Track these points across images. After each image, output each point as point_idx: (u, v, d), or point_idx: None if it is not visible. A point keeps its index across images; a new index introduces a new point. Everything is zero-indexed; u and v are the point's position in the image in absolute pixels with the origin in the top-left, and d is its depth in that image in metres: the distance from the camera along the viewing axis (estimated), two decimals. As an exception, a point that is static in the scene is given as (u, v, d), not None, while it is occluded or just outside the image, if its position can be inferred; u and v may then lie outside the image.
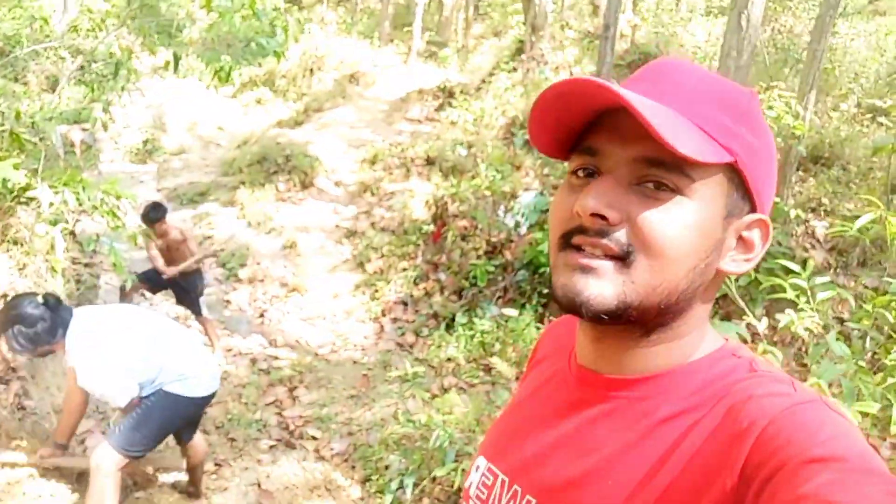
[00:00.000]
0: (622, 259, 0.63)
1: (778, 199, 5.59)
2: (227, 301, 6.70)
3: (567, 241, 0.65)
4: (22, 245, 3.45)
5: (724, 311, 5.50)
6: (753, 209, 0.68)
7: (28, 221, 3.52)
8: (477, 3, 16.96)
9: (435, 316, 6.28)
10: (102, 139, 9.80)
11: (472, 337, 5.32)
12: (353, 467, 4.06)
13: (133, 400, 2.88)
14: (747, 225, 0.67)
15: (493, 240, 6.74)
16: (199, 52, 6.43)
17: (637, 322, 0.65)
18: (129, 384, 2.80)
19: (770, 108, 5.80)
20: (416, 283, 6.75)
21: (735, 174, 0.65)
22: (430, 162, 8.85)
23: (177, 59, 4.82)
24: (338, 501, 3.66)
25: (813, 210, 6.53)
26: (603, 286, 0.63)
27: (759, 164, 0.66)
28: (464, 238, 6.80)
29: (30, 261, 3.48)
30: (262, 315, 6.50)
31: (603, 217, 0.62)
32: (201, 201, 8.90)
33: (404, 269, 6.90)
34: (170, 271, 5.05)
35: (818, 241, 6.09)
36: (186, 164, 10.40)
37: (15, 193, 3.50)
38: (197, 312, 5.41)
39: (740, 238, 0.67)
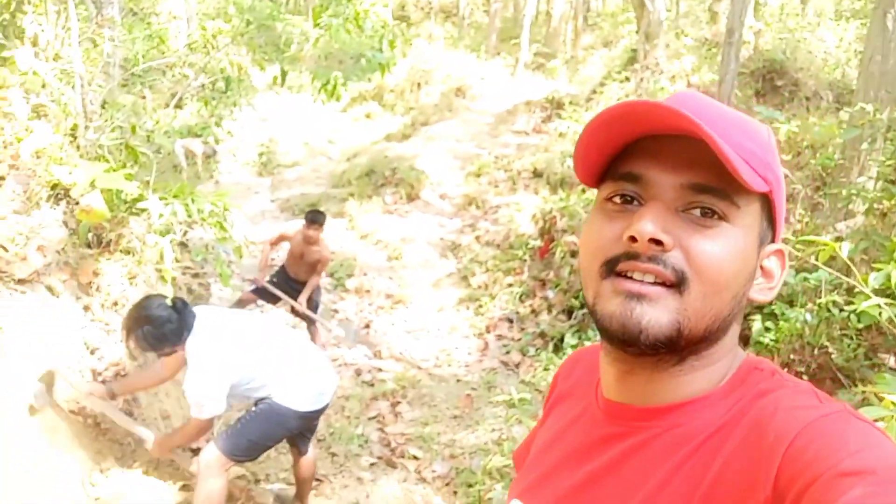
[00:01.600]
0: (675, 286, 0.62)
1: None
2: (335, 311, 6.72)
3: (611, 269, 0.64)
4: (133, 255, 3.51)
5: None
6: (773, 239, 0.69)
7: (139, 232, 3.58)
8: (586, 13, 16.59)
9: (542, 335, 6.01)
10: (222, 152, 10.23)
11: (582, 359, 5.01)
12: (455, 493, 3.87)
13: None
14: (768, 254, 0.69)
15: (605, 256, 6.40)
16: (309, 68, 6.54)
17: (678, 350, 0.64)
18: (221, 401, 2.76)
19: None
20: (521, 300, 6.51)
21: (766, 204, 0.67)
22: (537, 175, 8.62)
23: (283, 73, 4.87)
24: (438, 530, 3.46)
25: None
26: (659, 313, 0.62)
27: (781, 196, 0.68)
28: (573, 255, 6.48)
29: (141, 270, 3.53)
30: (367, 326, 6.47)
31: (658, 242, 0.61)
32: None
33: (510, 285, 6.68)
34: (259, 280, 5.25)
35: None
36: (299, 177, 10.68)
37: (128, 204, 3.58)
38: (310, 322, 5.46)
39: (762, 267, 0.68)
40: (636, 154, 0.65)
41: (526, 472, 0.83)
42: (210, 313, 2.96)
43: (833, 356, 5.09)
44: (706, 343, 0.65)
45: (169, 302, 2.76)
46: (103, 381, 3.09)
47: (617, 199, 0.66)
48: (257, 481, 3.65)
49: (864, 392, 4.87)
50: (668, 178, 0.64)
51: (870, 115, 5.57)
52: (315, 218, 5.16)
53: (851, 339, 5.15)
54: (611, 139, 0.65)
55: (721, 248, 0.62)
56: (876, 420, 1.29)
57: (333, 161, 11.30)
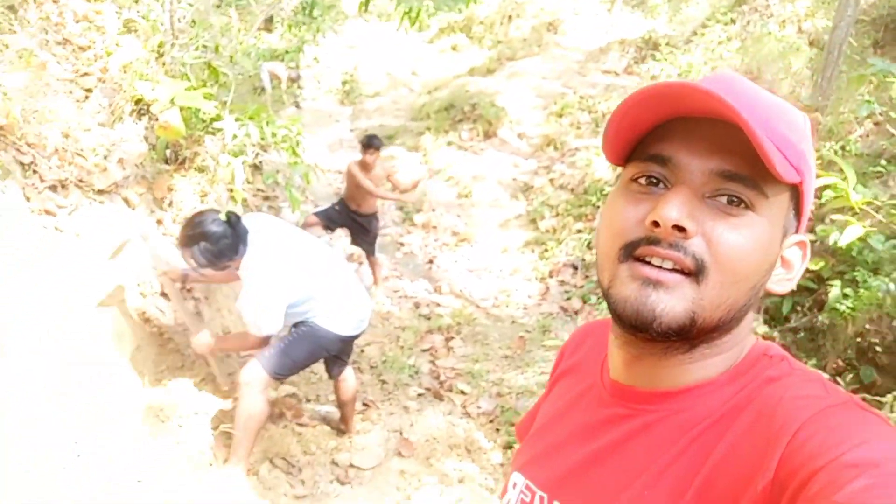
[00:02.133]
0: (694, 274, 0.61)
1: None
2: (401, 244, 6.82)
3: (629, 253, 0.63)
4: (207, 173, 3.64)
5: None
6: (798, 229, 0.68)
7: (214, 151, 3.70)
8: (697, -53, 15.48)
9: (605, 284, 5.92)
10: (306, 77, 10.33)
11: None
12: (498, 430, 3.94)
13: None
14: (790, 245, 0.67)
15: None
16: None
17: (690, 338, 0.64)
18: (279, 318, 2.85)
19: None
20: (589, 247, 6.40)
21: (795, 194, 0.65)
22: (622, 119, 8.31)
23: (367, 1, 4.80)
24: (476, 465, 3.55)
25: None
26: (675, 301, 0.61)
27: (811, 186, 0.67)
28: (647, 204, 6.30)
29: (213, 189, 3.67)
30: (431, 261, 6.54)
31: (682, 229, 0.60)
32: (389, 144, 9.09)
33: (579, 231, 6.57)
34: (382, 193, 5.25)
35: None
36: (379, 107, 10.69)
37: (205, 123, 3.69)
38: (370, 252, 5.55)
39: (782, 258, 0.67)
40: (666, 135, 0.64)
41: (529, 446, 0.83)
42: (272, 229, 3.00)
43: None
44: (719, 332, 0.65)
45: (223, 217, 2.80)
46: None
47: (643, 181, 0.65)
48: (308, 400, 3.82)
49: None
50: (698, 163, 0.62)
51: None
52: (371, 142, 5.09)
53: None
54: (643, 119, 0.64)
55: (745, 239, 0.61)
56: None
57: (415, 93, 11.22)
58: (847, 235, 2.53)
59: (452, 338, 4.98)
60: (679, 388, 0.67)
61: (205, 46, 4.14)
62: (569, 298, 5.90)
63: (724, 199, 0.62)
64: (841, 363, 4.30)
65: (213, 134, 3.71)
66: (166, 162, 3.69)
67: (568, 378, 0.84)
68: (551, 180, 7.46)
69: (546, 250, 6.49)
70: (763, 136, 0.58)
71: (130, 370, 2.91)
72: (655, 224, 0.61)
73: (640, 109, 0.63)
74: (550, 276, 6.22)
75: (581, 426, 0.75)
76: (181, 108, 3.41)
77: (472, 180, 7.69)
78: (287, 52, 5.80)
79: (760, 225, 0.62)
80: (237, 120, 3.77)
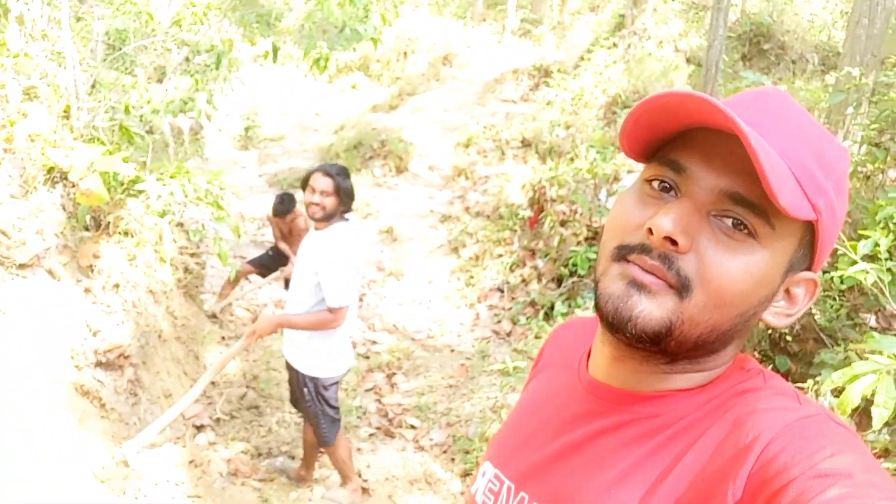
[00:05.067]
0: (677, 290, 0.61)
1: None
2: (326, 286, 6.78)
3: (623, 255, 0.63)
4: (132, 236, 3.54)
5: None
6: (810, 266, 0.65)
7: (137, 213, 3.61)
8: (572, -23, 16.38)
9: (532, 304, 6.11)
10: (206, 126, 10.13)
11: (573, 327, 5.12)
12: (453, 460, 3.99)
13: None
14: (798, 281, 0.65)
15: (595, 226, 6.47)
16: (296, 39, 6.47)
17: (669, 352, 0.64)
18: (351, 293, 2.99)
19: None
20: (512, 270, 6.59)
21: (809, 231, 0.63)
22: (525, 144, 8.64)
23: (276, 49, 4.84)
24: (438, 496, 3.59)
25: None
26: (653, 307, 0.61)
27: (832, 225, 0.64)
28: (563, 224, 6.56)
29: (140, 251, 3.57)
30: (360, 299, 6.54)
31: (674, 242, 0.60)
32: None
33: (500, 256, 6.76)
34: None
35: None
36: (285, 150, 10.64)
37: (125, 186, 3.60)
38: None
39: (787, 291, 0.66)
40: (689, 144, 0.63)
41: (502, 437, 0.83)
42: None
43: (816, 317, 5.25)
44: (701, 352, 0.65)
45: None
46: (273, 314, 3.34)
47: (656, 184, 0.65)
48: (259, 455, 3.75)
49: (846, 351, 5.05)
50: (710, 178, 0.61)
51: (856, 79, 5.64)
52: (277, 210, 5.24)
53: (834, 300, 5.31)
54: (665, 123, 0.63)
55: (737, 266, 0.60)
56: (866, 375, 1.38)
57: (320, 133, 11.24)
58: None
59: (394, 373, 5.01)
60: (655, 393, 0.67)
61: (113, 107, 4.05)
62: (499, 321, 6.05)
63: (729, 222, 0.61)
64: (757, 355, 4.63)
65: (136, 196, 3.62)
66: (87, 229, 3.56)
67: (546, 372, 0.85)
68: (467, 209, 7.66)
69: (472, 277, 6.64)
70: (767, 162, 0.55)
71: (74, 445, 2.78)
72: (650, 231, 0.61)
73: (653, 115, 0.62)
74: (479, 302, 6.35)
75: (553, 420, 0.75)
76: (101, 173, 3.33)
77: (390, 215, 7.77)
78: (187, 101, 5.70)
79: (760, 255, 0.61)
80: (158, 179, 3.69)
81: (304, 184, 3.06)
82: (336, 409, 3.25)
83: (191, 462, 3.25)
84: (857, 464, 0.53)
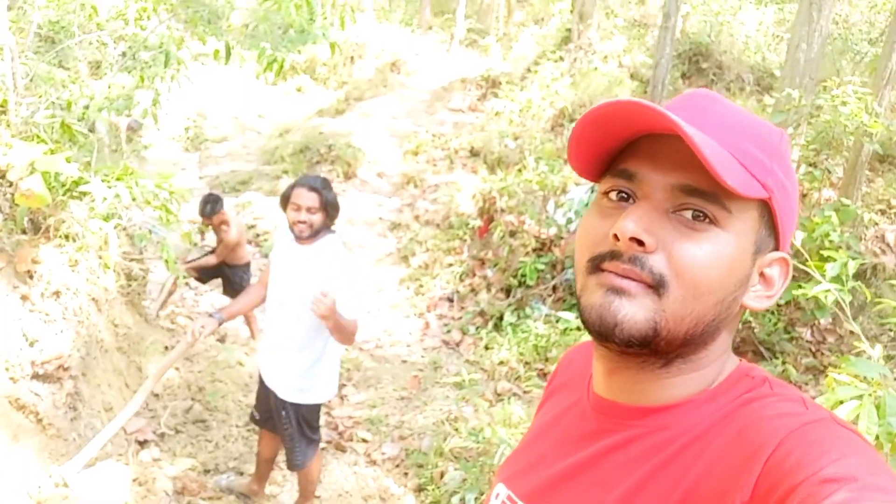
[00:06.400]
0: (654, 288, 0.62)
1: (848, 202, 5.33)
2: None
3: (596, 266, 0.65)
4: (74, 240, 3.35)
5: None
6: (777, 247, 0.67)
7: (81, 216, 3.42)
8: (518, -11, 16.61)
9: (482, 314, 6.11)
10: (145, 125, 9.78)
11: (526, 339, 5.14)
12: (406, 474, 3.93)
13: None
14: (769, 262, 0.67)
15: (543, 237, 6.54)
16: (239, 39, 6.29)
17: (661, 352, 0.65)
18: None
19: (844, 103, 5.50)
20: (461, 279, 6.59)
21: (766, 211, 0.65)
22: (474, 154, 8.67)
23: (228, 49, 4.69)
24: (393, 512, 3.52)
25: (882, 212, 6.20)
26: (636, 309, 0.62)
27: (787, 203, 0.67)
28: (512, 234, 6.60)
29: (83, 257, 3.38)
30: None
31: (640, 243, 0.62)
32: (244, 190, 8.84)
33: (450, 265, 6.75)
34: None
35: (888, 245, 5.78)
36: (228, 153, 10.36)
37: (67, 187, 3.41)
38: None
39: (762, 274, 0.67)
40: (635, 152, 0.66)
41: (514, 458, 0.84)
42: None
43: (755, 330, 5.44)
44: (692, 347, 0.65)
45: None
46: (209, 315, 3.03)
47: (613, 196, 0.67)
48: (206, 471, 3.60)
49: (784, 364, 5.22)
50: (660, 178, 0.64)
51: (795, 100, 5.88)
52: (202, 211, 4.98)
53: (773, 314, 5.51)
54: (606, 136, 0.65)
55: (705, 253, 0.62)
56: (849, 400, 1.41)
57: (264, 136, 11.00)
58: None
59: (344, 385, 4.91)
60: (660, 404, 0.67)
61: (53, 103, 3.84)
62: (449, 331, 6.03)
63: (688, 214, 0.63)
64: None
65: (79, 198, 3.43)
66: (24, 232, 3.35)
67: (558, 395, 0.86)
68: (416, 217, 7.61)
69: (421, 286, 6.60)
70: (709, 150, 0.59)
71: (7, 463, 2.60)
72: (616, 238, 0.62)
73: (596, 127, 0.64)
74: (428, 311, 6.31)
75: (564, 439, 0.76)
76: (42, 174, 3.14)
77: (338, 222, 7.64)
78: (126, 98, 5.45)
79: (724, 240, 0.63)
80: (104, 181, 3.51)
81: (285, 201, 2.90)
82: (317, 430, 3.12)
83: (135, 480, 3.09)
84: (862, 467, 0.53)
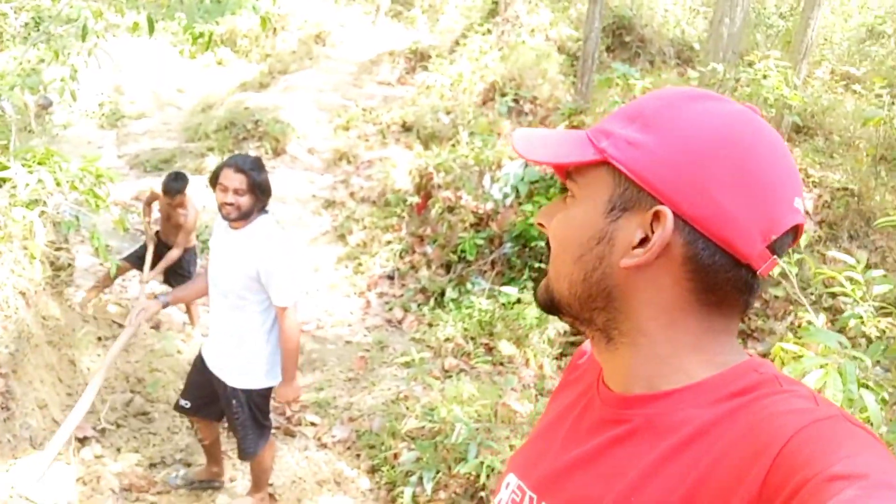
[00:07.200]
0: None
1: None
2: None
3: None
4: (-4, 231, 3.13)
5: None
6: (659, 203, 0.65)
7: (2, 204, 3.19)
8: (442, -41, 16.40)
9: (423, 291, 6.11)
10: (56, 102, 9.17)
11: (470, 315, 5.17)
12: (359, 455, 3.91)
13: None
14: (644, 221, 0.67)
15: (480, 212, 6.57)
16: (152, 10, 5.96)
17: (576, 317, 0.73)
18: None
19: (765, 77, 5.72)
20: (401, 257, 6.56)
21: (614, 171, 0.68)
22: (406, 128, 8.57)
23: (151, 22, 4.43)
24: (348, 496, 3.50)
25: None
26: (543, 282, 0.76)
27: (648, 159, 0.66)
28: (450, 210, 6.61)
29: (7, 247, 3.16)
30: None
31: (542, 225, 0.76)
32: (166, 168, 8.44)
33: (388, 242, 6.69)
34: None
35: (807, 213, 6.10)
36: (147, 130, 9.87)
37: (-16, 173, 3.17)
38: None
39: (644, 239, 0.67)
40: None
41: (525, 448, 0.86)
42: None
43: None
44: (600, 312, 0.70)
45: None
46: (155, 296, 3.06)
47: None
48: (153, 465, 3.47)
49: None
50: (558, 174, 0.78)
51: (720, 74, 6.07)
52: (169, 188, 4.66)
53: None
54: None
55: (561, 218, 0.73)
56: (811, 371, 1.48)
57: (185, 112, 10.53)
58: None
59: (288, 369, 4.82)
60: (653, 392, 0.69)
61: (-39, 81, 3.55)
62: (391, 309, 6.00)
63: (567, 195, 0.76)
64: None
65: (-1, 185, 3.20)
66: (-63, 222, 3.11)
67: (570, 387, 0.88)
68: (352, 194, 7.50)
69: (360, 264, 6.52)
70: (521, 144, 0.74)
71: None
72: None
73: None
74: (369, 290, 6.26)
75: (572, 430, 0.78)
76: (-44, 159, 2.91)
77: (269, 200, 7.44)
78: (29, 75, 5.02)
79: (577, 206, 0.72)
80: (25, 165, 3.28)
81: (214, 181, 2.79)
82: (268, 415, 3.06)
83: (78, 479, 2.96)
84: (873, 464, 0.52)
